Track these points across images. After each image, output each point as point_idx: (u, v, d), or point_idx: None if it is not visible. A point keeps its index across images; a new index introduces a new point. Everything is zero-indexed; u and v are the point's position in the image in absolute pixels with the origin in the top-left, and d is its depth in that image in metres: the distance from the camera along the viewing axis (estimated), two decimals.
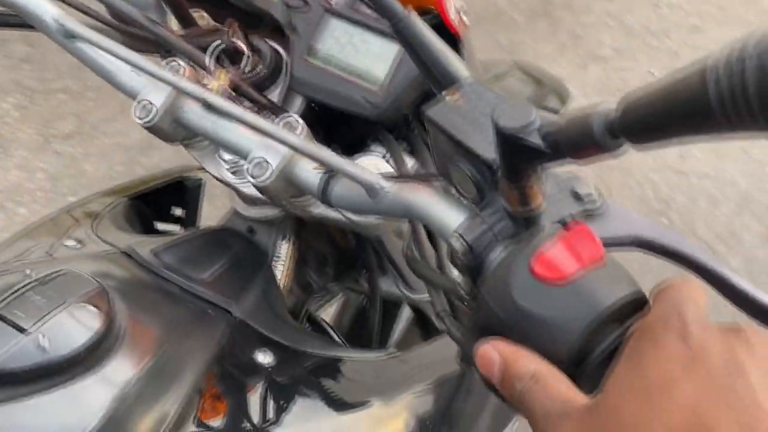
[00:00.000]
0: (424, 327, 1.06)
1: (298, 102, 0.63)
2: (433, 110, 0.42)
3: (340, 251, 0.81)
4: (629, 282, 0.36)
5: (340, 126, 0.66)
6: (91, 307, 0.49)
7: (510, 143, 0.35)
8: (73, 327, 0.48)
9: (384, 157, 0.61)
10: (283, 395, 0.60)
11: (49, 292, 0.49)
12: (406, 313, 1.08)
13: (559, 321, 0.34)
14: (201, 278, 0.62)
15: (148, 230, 0.81)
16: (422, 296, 0.89)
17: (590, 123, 0.31)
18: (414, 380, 0.70)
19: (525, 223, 0.40)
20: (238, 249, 0.67)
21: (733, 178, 2.15)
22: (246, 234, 0.70)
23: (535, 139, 0.34)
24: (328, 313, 0.98)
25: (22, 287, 0.49)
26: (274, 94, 0.64)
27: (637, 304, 0.36)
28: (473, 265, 0.41)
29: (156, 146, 2.33)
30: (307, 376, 0.63)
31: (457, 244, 0.41)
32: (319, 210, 0.61)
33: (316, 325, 0.79)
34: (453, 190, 0.46)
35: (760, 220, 2.04)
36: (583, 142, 0.32)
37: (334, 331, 0.80)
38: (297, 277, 0.75)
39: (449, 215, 0.44)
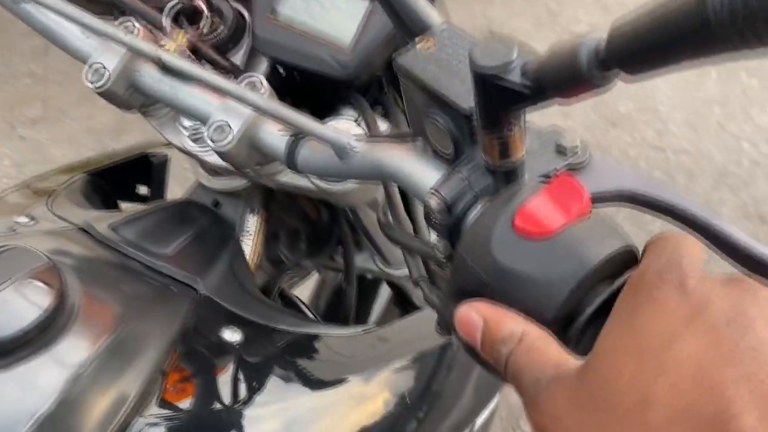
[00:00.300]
0: (403, 305, 1.04)
1: (262, 65, 0.60)
2: (404, 58, 0.39)
3: (313, 225, 0.78)
4: (620, 236, 0.33)
5: (307, 91, 0.62)
6: (40, 284, 0.46)
7: (488, 85, 0.31)
8: (20, 305, 0.44)
9: (356, 121, 0.58)
10: (254, 374, 0.57)
11: None
12: (384, 291, 1.05)
13: (544, 278, 0.32)
14: (163, 253, 0.58)
15: (111, 208, 0.77)
16: (400, 272, 0.86)
17: (577, 55, 0.28)
18: (392, 356, 0.67)
19: (506, 178, 0.37)
20: (203, 223, 0.63)
21: (709, 152, 2.15)
22: (211, 207, 0.66)
23: (516, 78, 0.31)
24: (303, 294, 0.95)
25: None
26: (237, 57, 0.60)
27: (628, 260, 0.33)
28: (451, 224, 0.38)
29: (127, 130, 2.27)
30: (280, 354, 0.60)
31: (434, 202, 0.37)
32: (288, 178, 0.57)
33: (289, 303, 0.76)
34: (429, 149, 0.42)
35: (736, 194, 2.04)
36: (569, 77, 0.29)
37: (308, 309, 0.77)
38: (267, 252, 0.72)
39: (425, 173, 0.41)
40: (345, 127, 0.54)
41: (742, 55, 0.23)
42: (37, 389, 0.44)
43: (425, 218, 0.40)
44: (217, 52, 0.58)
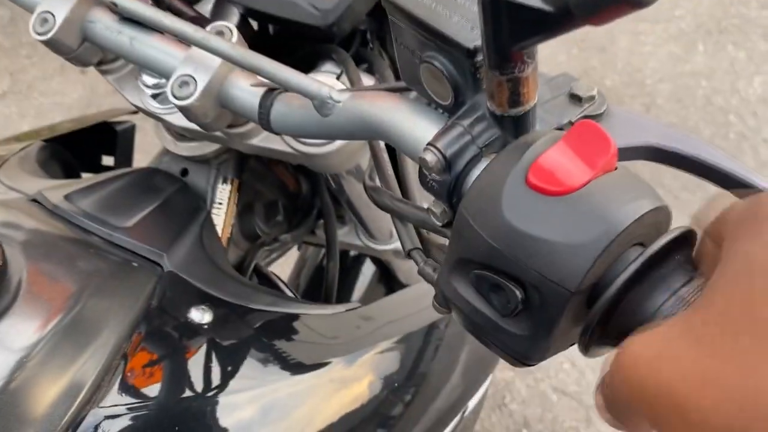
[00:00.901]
0: (388, 283, 0.99)
1: (233, 15, 0.54)
2: None
3: (292, 196, 0.72)
4: (653, 194, 0.28)
5: (283, 47, 0.56)
6: None
7: (501, 9, 0.26)
8: None
9: (338, 77, 0.52)
10: (227, 358, 0.51)
11: None
12: (368, 269, 1.00)
13: (565, 242, 0.26)
14: (124, 226, 0.52)
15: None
16: (386, 246, 0.81)
17: None
18: (377, 337, 0.62)
19: (515, 129, 0.32)
20: (169, 192, 0.57)
21: (696, 125, 2.12)
22: (178, 176, 0.60)
23: (535, 0, 0.25)
24: (283, 273, 0.89)
25: None
26: (206, 9, 0.54)
27: (663, 222, 0.28)
28: (451, 184, 0.33)
29: (97, 104, 2.19)
30: (255, 336, 0.54)
31: (430, 158, 0.32)
32: (261, 140, 0.51)
33: (265, 281, 0.70)
34: (423, 101, 0.37)
35: None
36: None
37: (286, 287, 0.71)
38: (241, 225, 0.66)
39: (419, 126, 0.35)
40: (326, 82, 0.49)
41: None
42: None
43: (420, 179, 0.35)
44: (182, 0, 0.52)
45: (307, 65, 0.55)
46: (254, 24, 0.57)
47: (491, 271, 0.29)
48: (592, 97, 0.35)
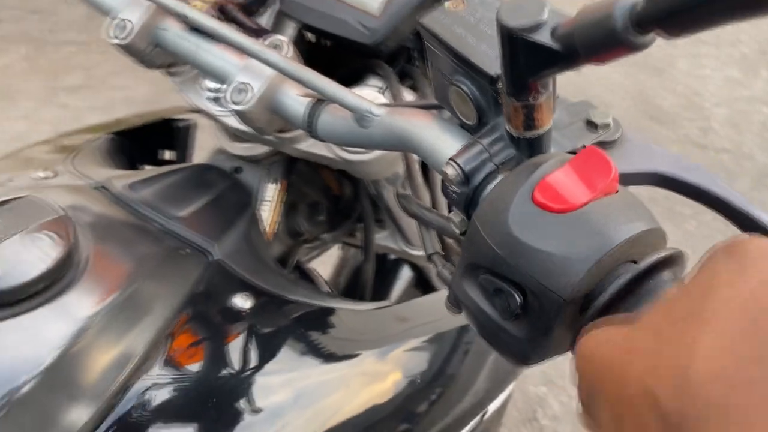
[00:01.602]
0: (423, 287, 1.02)
1: (289, 29, 0.58)
2: (431, 17, 0.37)
3: (334, 199, 0.77)
4: (648, 216, 0.31)
5: (334, 60, 0.61)
6: (51, 235, 0.45)
7: (517, 46, 0.29)
8: (28, 255, 0.44)
9: (381, 90, 0.56)
10: (265, 343, 0.56)
11: (7, 215, 0.45)
12: (405, 273, 1.03)
13: (561, 255, 0.30)
14: (179, 215, 0.57)
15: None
16: (421, 252, 0.84)
17: (611, 15, 0.26)
18: (408, 335, 0.66)
19: (530, 150, 0.35)
20: (222, 188, 0.62)
21: (751, 152, 2.08)
22: (231, 173, 0.65)
23: (546, 39, 0.29)
24: (324, 270, 0.94)
25: None
26: (264, 20, 0.59)
27: (656, 243, 0.31)
28: (468, 196, 0.36)
29: (162, 101, 2.29)
30: (292, 325, 0.58)
31: (451, 171, 0.36)
32: (308, 146, 0.56)
33: (306, 276, 0.75)
34: (453, 120, 0.41)
35: None
36: (603, 39, 0.27)
37: (325, 283, 0.75)
38: (286, 223, 0.71)
39: (445, 142, 0.39)
40: (369, 95, 0.53)
41: None
42: (42, 340, 0.43)
43: (442, 189, 0.38)
44: (244, 13, 0.57)
45: (355, 77, 0.59)
46: (311, 36, 0.61)
47: (496, 276, 0.32)
48: (607, 125, 0.38)
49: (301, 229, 0.74)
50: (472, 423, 0.71)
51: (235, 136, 0.63)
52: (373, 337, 0.63)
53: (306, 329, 0.59)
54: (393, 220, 0.78)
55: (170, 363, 0.49)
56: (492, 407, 0.75)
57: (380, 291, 0.96)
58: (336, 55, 0.61)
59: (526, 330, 0.32)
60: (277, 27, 0.58)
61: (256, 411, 0.51)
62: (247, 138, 0.61)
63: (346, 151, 0.54)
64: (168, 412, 0.47)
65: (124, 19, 0.52)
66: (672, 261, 0.30)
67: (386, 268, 1.02)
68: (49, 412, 0.42)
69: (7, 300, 0.43)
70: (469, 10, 0.38)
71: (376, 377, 0.63)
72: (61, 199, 0.52)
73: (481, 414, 0.72)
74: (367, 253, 0.76)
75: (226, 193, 0.62)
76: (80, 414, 0.43)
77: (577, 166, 0.31)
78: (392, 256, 0.99)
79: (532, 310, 0.31)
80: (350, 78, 0.59)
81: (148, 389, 0.47)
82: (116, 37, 0.52)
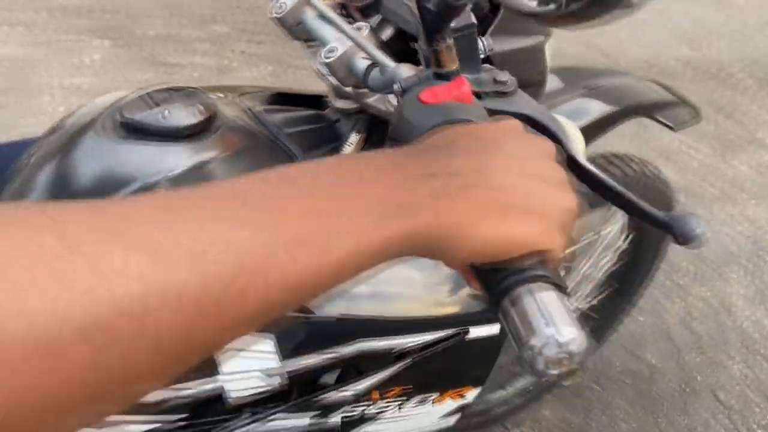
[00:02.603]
0: None
1: (388, 30, 0.87)
2: None
3: None
4: (478, 115, 0.55)
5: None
6: (201, 107, 0.78)
7: (421, 11, 0.55)
8: (185, 113, 0.77)
9: None
10: None
11: (180, 93, 0.79)
12: None
13: (417, 123, 0.54)
14: (287, 132, 0.88)
15: None
16: None
17: None
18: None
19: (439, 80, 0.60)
20: (323, 127, 0.93)
21: None
22: (333, 120, 0.96)
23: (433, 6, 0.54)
24: None
25: (165, 90, 0.79)
26: (372, 21, 0.88)
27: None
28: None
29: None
30: None
31: (397, 87, 0.62)
32: (373, 100, 0.84)
33: None
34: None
35: None
36: None
37: None
38: None
39: (404, 74, 0.65)
40: (404, 66, 0.79)
41: None
42: (188, 159, 0.75)
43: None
44: (359, 13, 0.87)
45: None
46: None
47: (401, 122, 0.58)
48: (505, 81, 0.61)
49: None
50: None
51: (338, 95, 0.93)
52: None
53: None
54: None
55: None
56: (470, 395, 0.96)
57: None
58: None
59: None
60: (380, 27, 0.88)
61: None
62: (345, 96, 0.91)
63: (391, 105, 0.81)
64: None
65: (281, 2, 0.84)
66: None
67: None
68: None
69: (166, 132, 0.75)
70: None
71: None
72: (218, 101, 0.86)
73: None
74: None
75: (325, 131, 0.93)
76: None
77: (449, 86, 0.56)
78: None
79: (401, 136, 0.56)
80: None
81: None
82: (275, 12, 0.85)
